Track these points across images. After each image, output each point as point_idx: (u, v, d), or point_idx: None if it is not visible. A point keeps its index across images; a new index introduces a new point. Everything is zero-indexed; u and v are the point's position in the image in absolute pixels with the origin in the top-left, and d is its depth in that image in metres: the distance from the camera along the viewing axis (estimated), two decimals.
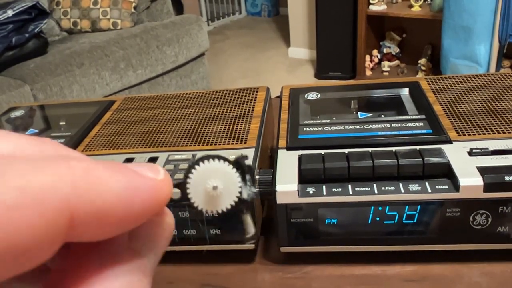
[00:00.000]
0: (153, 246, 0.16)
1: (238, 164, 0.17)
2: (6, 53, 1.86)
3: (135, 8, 2.28)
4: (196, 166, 0.17)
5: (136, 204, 0.14)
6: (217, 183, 0.17)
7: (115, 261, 0.14)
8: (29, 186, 0.12)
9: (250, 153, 0.46)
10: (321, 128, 0.48)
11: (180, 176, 0.44)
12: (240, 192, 0.17)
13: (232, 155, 0.45)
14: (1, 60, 1.85)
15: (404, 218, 0.40)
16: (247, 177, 0.18)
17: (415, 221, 0.40)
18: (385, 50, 2.66)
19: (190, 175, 0.17)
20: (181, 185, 0.17)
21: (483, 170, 0.39)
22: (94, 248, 0.15)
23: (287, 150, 0.46)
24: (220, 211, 0.17)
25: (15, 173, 0.12)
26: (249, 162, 0.17)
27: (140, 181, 0.14)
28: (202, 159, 0.17)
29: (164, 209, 0.16)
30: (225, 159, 0.17)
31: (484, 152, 0.41)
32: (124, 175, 0.14)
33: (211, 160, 0.17)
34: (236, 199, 0.17)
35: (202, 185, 0.17)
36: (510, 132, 0.44)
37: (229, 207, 0.17)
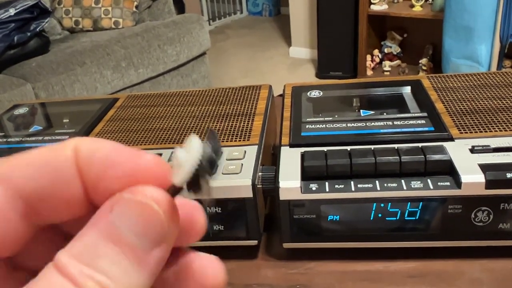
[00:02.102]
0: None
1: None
2: (8, 52, 1.87)
3: (136, 7, 2.29)
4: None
5: None
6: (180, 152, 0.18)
7: None
8: None
9: (253, 150, 0.46)
10: (324, 125, 0.48)
11: None
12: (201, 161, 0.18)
13: (235, 152, 0.46)
14: (3, 59, 1.86)
15: (406, 215, 0.41)
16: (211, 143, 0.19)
17: (417, 217, 0.41)
18: (386, 50, 2.66)
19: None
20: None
21: (484, 167, 0.39)
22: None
23: (290, 147, 0.46)
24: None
25: None
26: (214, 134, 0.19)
27: None
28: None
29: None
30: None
31: (486, 150, 0.41)
32: None
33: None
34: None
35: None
36: (511, 130, 0.45)
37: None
